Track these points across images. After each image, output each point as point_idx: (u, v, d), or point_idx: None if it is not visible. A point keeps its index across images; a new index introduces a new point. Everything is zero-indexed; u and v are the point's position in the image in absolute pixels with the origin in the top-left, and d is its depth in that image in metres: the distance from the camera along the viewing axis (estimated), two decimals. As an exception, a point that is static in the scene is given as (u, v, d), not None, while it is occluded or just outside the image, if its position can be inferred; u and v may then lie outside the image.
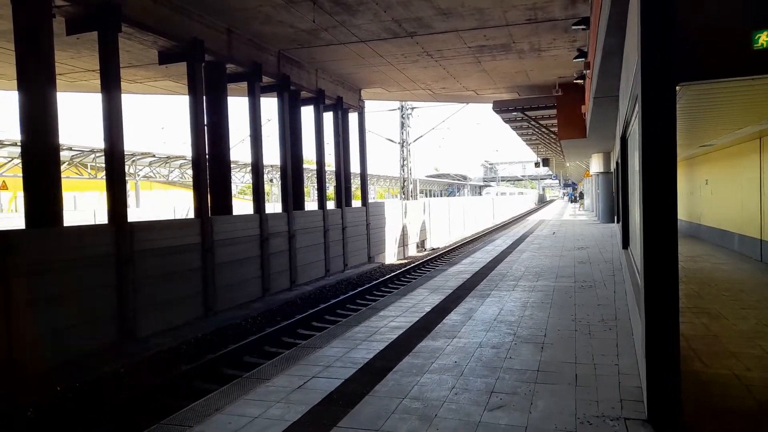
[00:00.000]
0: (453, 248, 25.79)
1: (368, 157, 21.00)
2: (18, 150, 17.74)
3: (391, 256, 22.42)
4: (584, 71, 12.83)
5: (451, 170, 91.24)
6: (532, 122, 21.75)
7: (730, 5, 3.33)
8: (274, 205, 28.62)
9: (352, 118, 19.70)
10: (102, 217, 19.97)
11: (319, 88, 16.70)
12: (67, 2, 8.67)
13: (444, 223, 31.01)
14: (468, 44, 13.88)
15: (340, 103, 18.18)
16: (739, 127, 8.26)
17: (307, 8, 11.05)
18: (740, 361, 4.95)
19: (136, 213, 24.47)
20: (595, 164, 25.66)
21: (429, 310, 7.63)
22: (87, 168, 27.12)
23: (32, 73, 8.16)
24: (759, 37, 3.23)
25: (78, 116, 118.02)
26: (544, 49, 14.44)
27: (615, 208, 20.75)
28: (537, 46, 14.17)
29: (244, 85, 13.68)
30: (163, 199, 38.00)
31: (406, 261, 22.29)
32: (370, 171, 26.91)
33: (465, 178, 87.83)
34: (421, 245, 26.83)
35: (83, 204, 29.72)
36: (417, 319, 7.11)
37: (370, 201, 21.49)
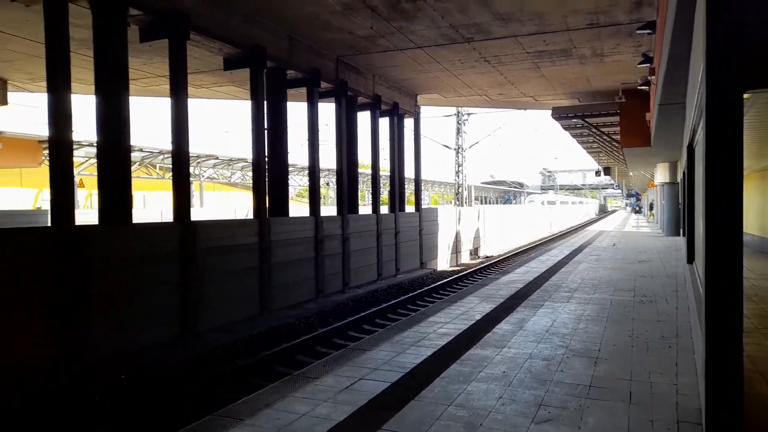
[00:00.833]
0: (507, 257, 25.35)
1: (423, 163, 21.03)
2: (94, 150, 18.90)
3: (443, 262, 22.29)
4: (649, 77, 12.35)
5: (508, 177, 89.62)
6: (593, 129, 21.09)
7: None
8: (330, 209, 29.11)
9: (408, 123, 19.80)
10: (168, 216, 20.91)
11: (376, 93, 16.88)
12: (140, 12, 9.20)
13: (498, 231, 30.54)
14: (527, 50, 13.66)
15: (396, 109, 18.30)
16: (819, 137, 7.73)
17: (366, 15, 11.21)
18: (813, 387, 4.63)
19: (199, 212, 25.50)
20: (660, 174, 24.59)
21: (479, 318, 7.56)
22: (156, 168, 28.52)
23: (108, 78, 8.72)
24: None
25: (149, 119, 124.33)
26: (607, 54, 14.01)
27: (680, 221, 19.80)
28: (599, 51, 13.77)
29: (304, 90, 14.01)
30: (224, 200, 39.42)
31: (458, 268, 22.11)
32: (424, 177, 26.91)
33: (522, 185, 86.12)
34: (474, 252, 26.53)
35: (151, 202, 31.29)
36: (466, 326, 7.06)
37: (423, 206, 21.48)
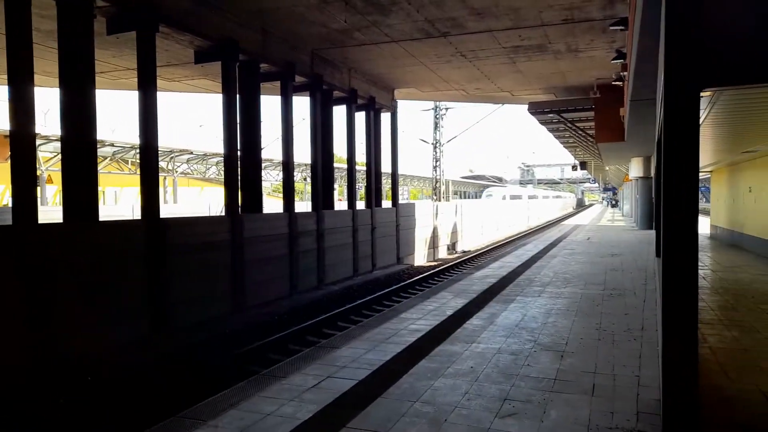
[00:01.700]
0: (484, 251, 25.51)
1: (402, 158, 21.03)
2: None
3: (420, 257, 22.33)
4: (622, 73, 12.49)
5: (487, 172, 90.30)
6: (569, 124, 21.29)
7: (761, 7, 3.18)
8: (307, 204, 28.92)
9: (385, 118, 19.72)
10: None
11: (352, 87, 16.78)
12: (107, 2, 8.96)
13: (476, 226, 30.71)
14: (502, 45, 13.69)
15: (373, 103, 18.22)
16: (782, 133, 7.90)
17: (339, 8, 11.11)
18: (771, 378, 4.73)
19: (172, 209, 25.08)
20: (635, 168, 24.98)
21: (451, 314, 7.57)
22: (128, 164, 27.98)
23: (72, 70, 8.48)
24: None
25: (123, 113, 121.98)
26: (582, 50, 14.12)
27: (653, 215, 20.15)
28: (574, 46, 13.87)
29: (278, 84, 13.85)
30: (199, 196, 38.91)
31: (435, 263, 22.17)
32: (402, 171, 26.87)
33: (501, 180, 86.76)
34: (452, 247, 26.63)
35: (124, 199, 30.71)
36: (438, 322, 7.07)
37: (401, 201, 21.46)
